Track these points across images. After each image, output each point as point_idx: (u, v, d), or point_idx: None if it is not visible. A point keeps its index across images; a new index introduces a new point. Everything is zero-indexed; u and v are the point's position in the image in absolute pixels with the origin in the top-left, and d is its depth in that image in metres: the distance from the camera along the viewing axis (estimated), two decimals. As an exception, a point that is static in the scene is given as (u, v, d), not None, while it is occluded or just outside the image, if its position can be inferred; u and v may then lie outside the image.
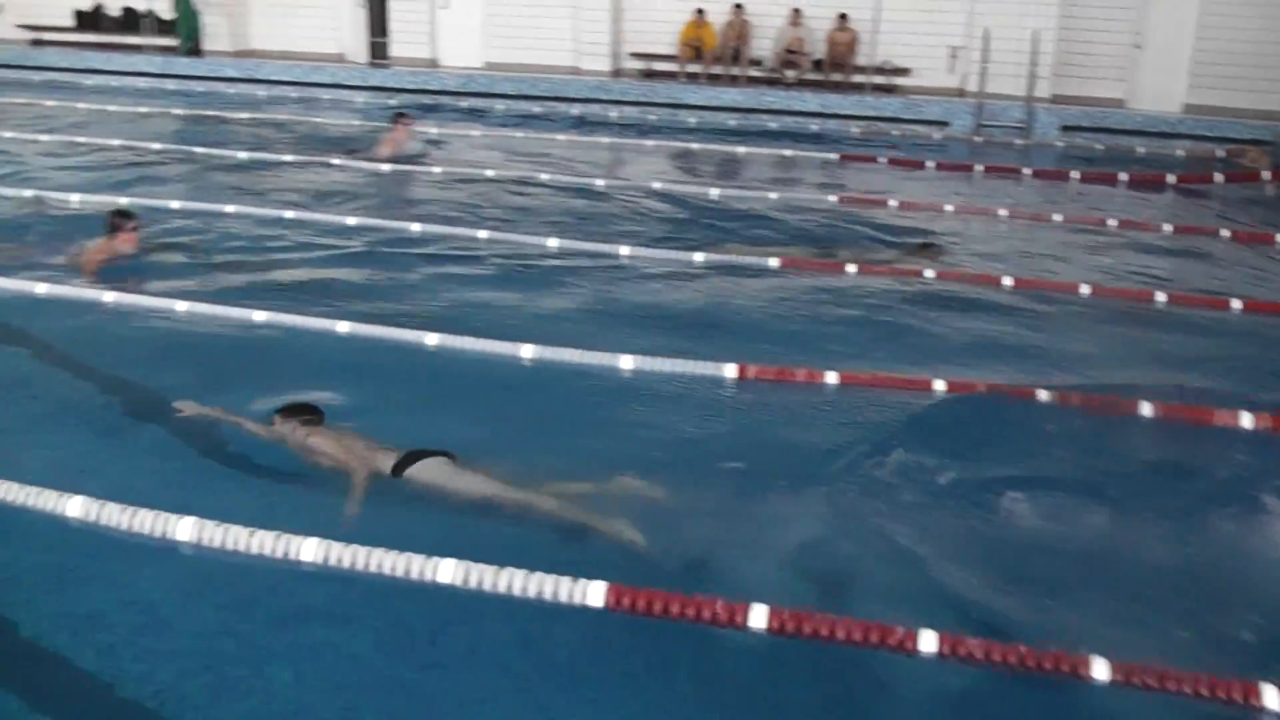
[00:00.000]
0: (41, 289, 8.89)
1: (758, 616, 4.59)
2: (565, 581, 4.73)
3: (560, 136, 18.16)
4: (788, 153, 17.36)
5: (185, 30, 25.34)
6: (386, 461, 5.82)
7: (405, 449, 5.88)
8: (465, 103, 21.78)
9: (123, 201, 12.05)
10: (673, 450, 6.47)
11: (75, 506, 5.34)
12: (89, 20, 26.84)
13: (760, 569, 5.22)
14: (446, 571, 4.84)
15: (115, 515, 5.25)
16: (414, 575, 4.84)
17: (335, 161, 15.04)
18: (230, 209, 12.13)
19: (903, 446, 6.45)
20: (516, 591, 4.73)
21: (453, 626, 4.75)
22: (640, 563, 5.17)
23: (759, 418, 7.14)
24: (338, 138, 17.44)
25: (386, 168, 14.96)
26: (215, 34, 25.58)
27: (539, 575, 4.76)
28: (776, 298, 9.60)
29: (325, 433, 6.09)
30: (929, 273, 10.23)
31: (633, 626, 4.65)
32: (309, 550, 4.99)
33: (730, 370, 7.52)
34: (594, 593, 4.71)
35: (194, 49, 25.51)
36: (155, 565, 5.09)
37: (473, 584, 4.79)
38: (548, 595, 4.71)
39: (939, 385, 7.30)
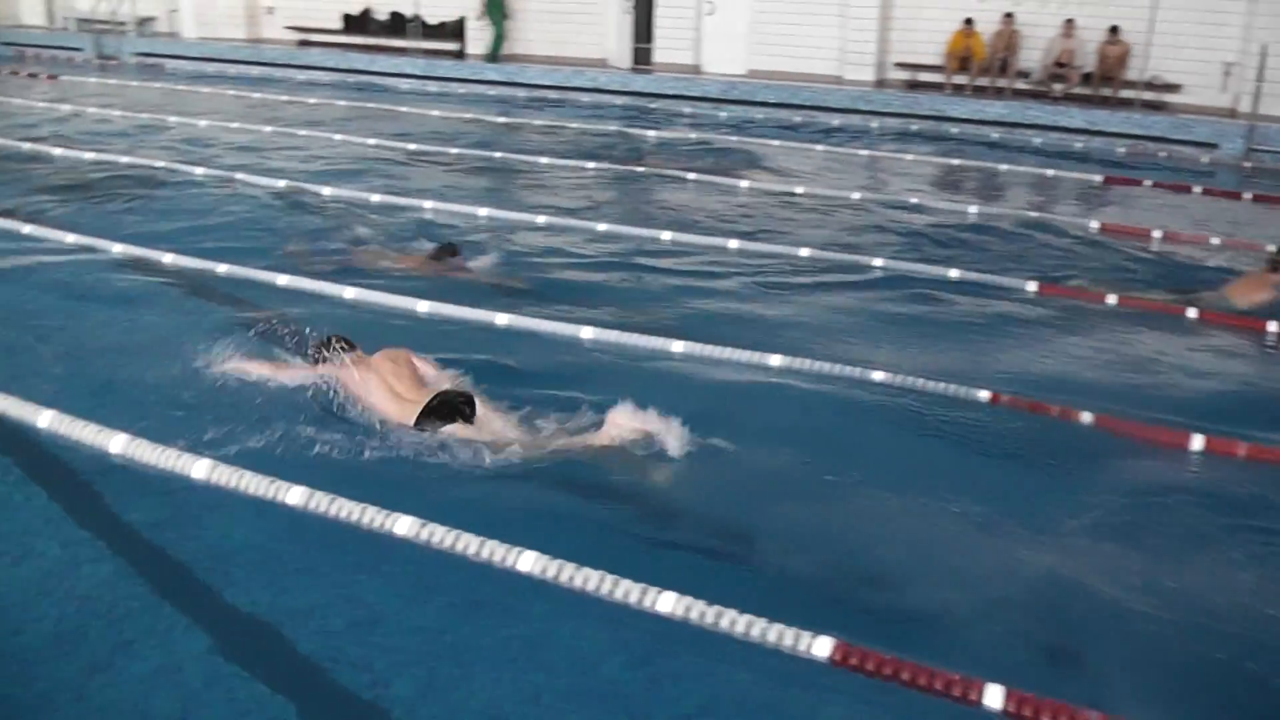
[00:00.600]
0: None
1: (993, 697, 4.22)
2: (792, 631, 4.50)
3: (818, 147, 17.89)
4: (1049, 172, 16.65)
5: (496, 37, 25.86)
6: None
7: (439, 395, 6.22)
8: (724, 112, 21.65)
9: (374, 199, 12.39)
10: (905, 479, 6.19)
11: (296, 495, 5.44)
12: (356, 23, 27.75)
13: (998, 638, 4.87)
14: (667, 603, 4.68)
15: (333, 507, 5.32)
16: (631, 601, 4.72)
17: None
18: (482, 211, 12.42)
19: (1165, 506, 5.98)
20: (737, 633, 4.53)
21: (661, 656, 4.62)
22: (867, 615, 4.95)
23: (1007, 452, 6.73)
24: (598, 143, 17.69)
25: (641, 169, 15.16)
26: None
27: (764, 622, 4.55)
28: (1030, 325, 9.19)
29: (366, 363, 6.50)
30: (1191, 312, 9.51)
31: (856, 685, 4.38)
32: (527, 562, 4.95)
33: (982, 395, 7.15)
34: (820, 646, 4.45)
35: (495, 56, 25.94)
36: (373, 559, 5.15)
37: (693, 618, 4.61)
38: (771, 641, 4.49)
39: (1197, 443, 6.66)
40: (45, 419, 6.35)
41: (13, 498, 5.79)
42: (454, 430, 6.10)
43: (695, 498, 5.81)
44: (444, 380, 6.71)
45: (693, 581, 4.78)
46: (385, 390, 6.36)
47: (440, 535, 5.09)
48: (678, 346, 7.87)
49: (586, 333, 8.11)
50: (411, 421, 6.15)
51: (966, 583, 5.20)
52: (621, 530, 5.42)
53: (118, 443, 5.99)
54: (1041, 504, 5.98)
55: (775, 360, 7.64)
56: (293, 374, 6.85)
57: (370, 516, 5.23)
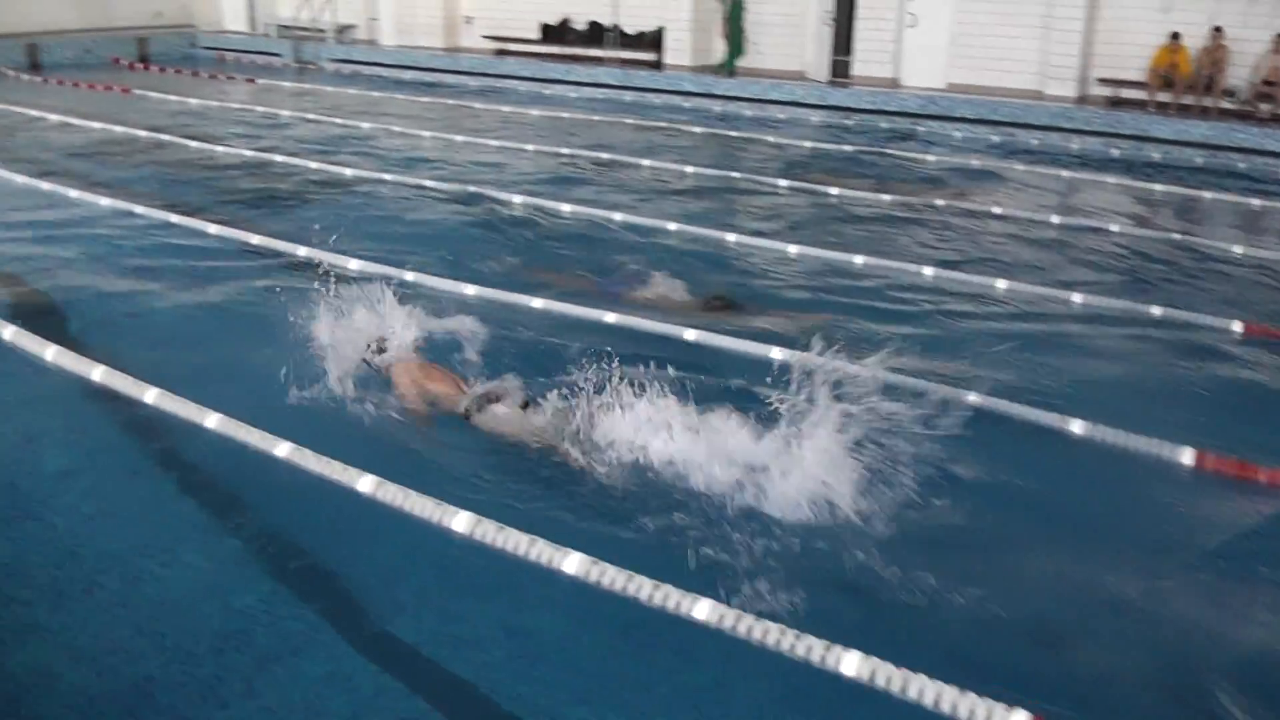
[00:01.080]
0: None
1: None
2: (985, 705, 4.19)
3: (1019, 166, 17.17)
4: (1256, 202, 15.42)
5: (734, 50, 25.30)
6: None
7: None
8: (922, 127, 21.15)
9: (564, 209, 12.49)
10: (1102, 540, 5.85)
11: (462, 522, 5.38)
12: (554, 33, 27.87)
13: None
14: (851, 664, 4.44)
15: (500, 537, 5.24)
16: (814, 659, 4.47)
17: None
18: (672, 227, 12.22)
19: None
20: (926, 702, 4.26)
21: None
22: (1062, 686, 4.63)
23: (1210, 520, 6.19)
24: (794, 158, 17.36)
25: (835, 190, 14.61)
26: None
27: (955, 691, 4.26)
28: (1235, 369, 8.50)
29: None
30: None
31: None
32: (702, 610, 4.76)
33: (1185, 456, 6.62)
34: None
35: (730, 69, 25.38)
36: (539, 593, 5.05)
37: (879, 682, 4.36)
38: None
39: None
40: (212, 420, 6.54)
41: (173, 499, 5.95)
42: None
43: (875, 546, 5.47)
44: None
45: (877, 639, 4.56)
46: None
47: (611, 576, 4.94)
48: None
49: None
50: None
51: (1167, 656, 4.90)
52: (801, 582, 5.11)
53: (283, 449, 6.11)
54: (1251, 577, 5.54)
55: (972, 398, 7.24)
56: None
57: (539, 551, 5.08)
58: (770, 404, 5.97)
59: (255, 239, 11.08)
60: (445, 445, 6.38)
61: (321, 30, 31.17)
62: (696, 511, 5.65)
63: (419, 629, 4.85)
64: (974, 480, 6.22)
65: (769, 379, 6.14)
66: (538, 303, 9.04)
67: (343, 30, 31.54)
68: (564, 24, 28.13)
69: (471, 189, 13.62)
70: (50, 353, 7.80)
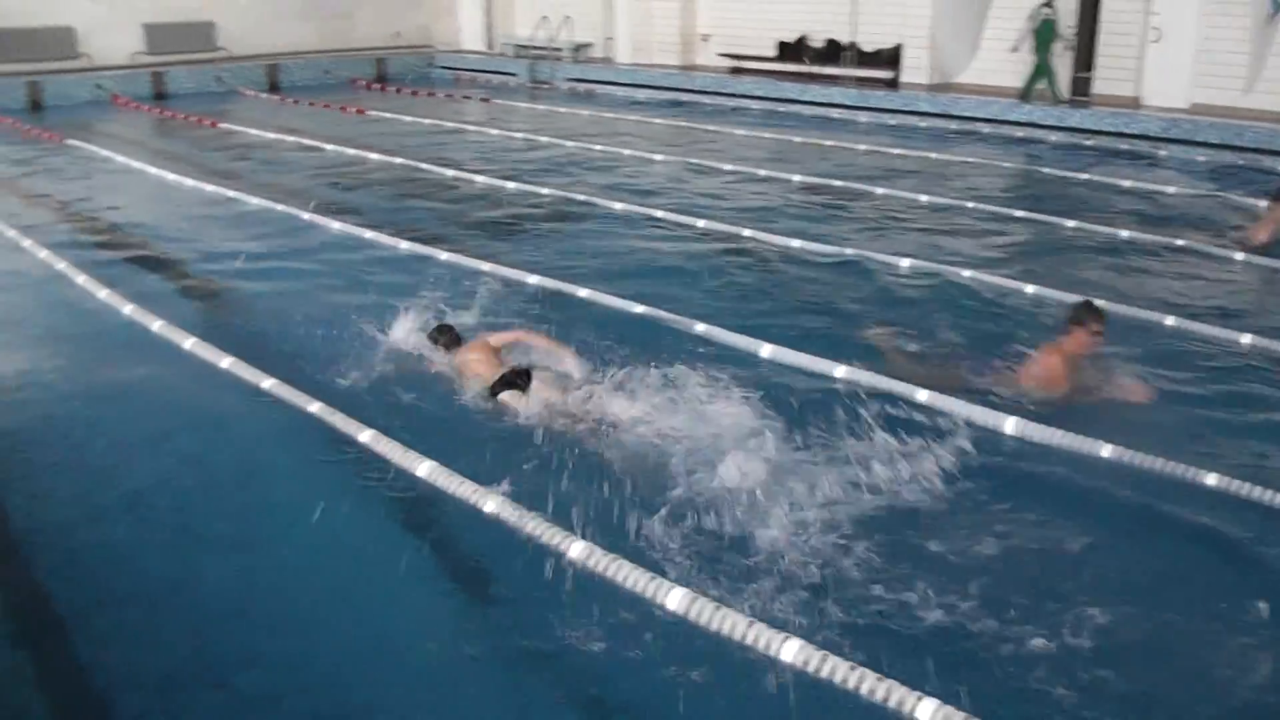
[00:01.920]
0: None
1: None
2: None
3: (1261, 204, 14.60)
4: None
5: (1038, 70, 23.23)
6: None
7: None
8: (1163, 150, 19.74)
9: (794, 244, 12.01)
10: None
11: (676, 599, 5.13)
12: (790, 51, 27.56)
13: None
14: None
15: (717, 618, 4.93)
16: None
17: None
18: (904, 264, 11.56)
19: None
20: None
21: None
22: None
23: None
24: (1025, 186, 16.52)
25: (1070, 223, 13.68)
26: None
27: None
28: None
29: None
30: None
31: None
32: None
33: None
34: None
35: (1030, 92, 23.39)
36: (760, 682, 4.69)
37: None
38: None
39: None
40: (424, 469, 6.53)
41: (396, 540, 6.09)
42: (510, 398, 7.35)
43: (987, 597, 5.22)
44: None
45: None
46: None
47: (842, 672, 4.55)
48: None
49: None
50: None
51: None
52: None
53: (491, 504, 6.07)
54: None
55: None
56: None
57: (757, 634, 4.70)
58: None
59: (485, 266, 11.11)
60: (653, 506, 6.09)
61: (558, 49, 31.50)
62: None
63: (632, 692, 4.75)
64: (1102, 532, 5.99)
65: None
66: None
67: (579, 49, 31.82)
68: (801, 41, 27.72)
69: (705, 222, 13.34)
70: (268, 384, 7.91)
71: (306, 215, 13.51)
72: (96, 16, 27.98)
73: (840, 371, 8.22)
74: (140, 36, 28.78)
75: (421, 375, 8.12)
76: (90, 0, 27.76)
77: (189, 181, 16.22)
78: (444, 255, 11.52)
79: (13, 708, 4.68)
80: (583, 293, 10.06)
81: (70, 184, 16.42)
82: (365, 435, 6.96)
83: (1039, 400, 7.66)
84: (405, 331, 8.75)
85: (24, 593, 5.66)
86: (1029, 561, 5.68)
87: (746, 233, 12.84)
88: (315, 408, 7.44)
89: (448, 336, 8.33)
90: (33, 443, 7.37)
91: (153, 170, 17.18)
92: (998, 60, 24.61)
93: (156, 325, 9.26)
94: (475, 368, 7.80)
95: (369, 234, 12.51)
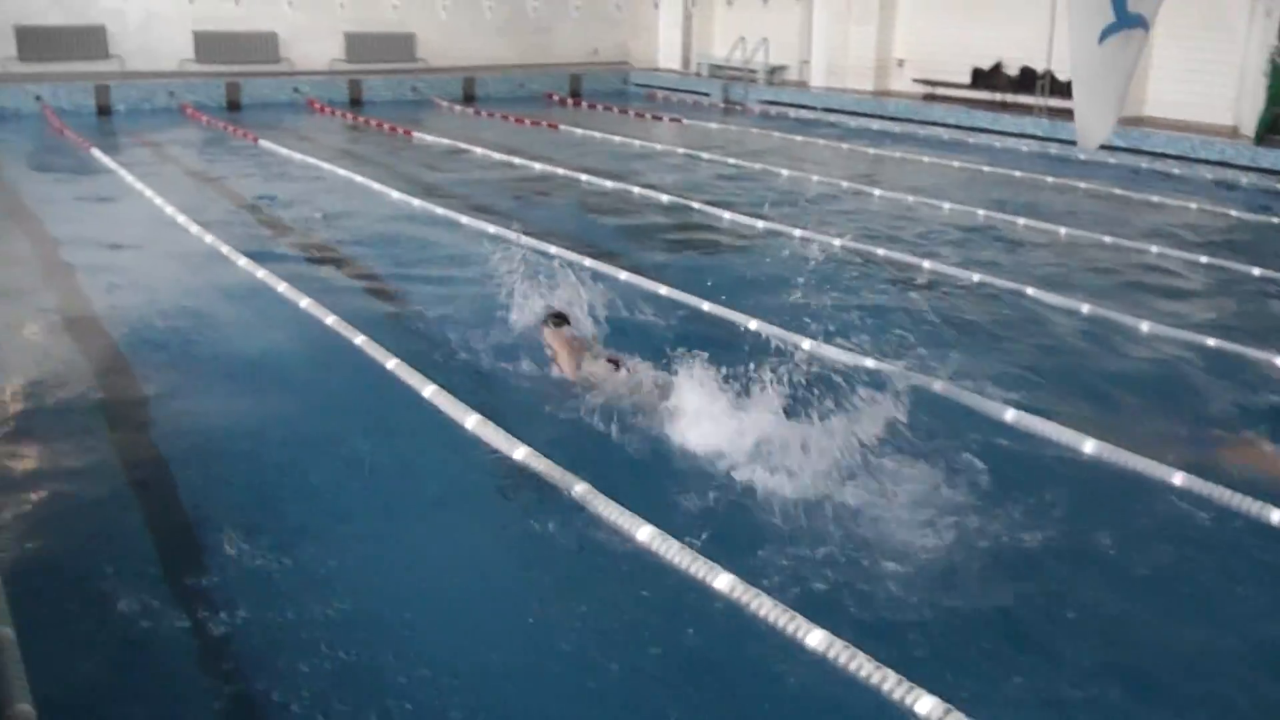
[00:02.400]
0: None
1: None
2: None
3: None
4: None
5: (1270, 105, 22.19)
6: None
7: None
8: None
9: (1028, 291, 11.62)
10: None
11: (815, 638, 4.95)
12: (984, 78, 27.26)
13: None
14: None
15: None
16: None
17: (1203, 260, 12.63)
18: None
19: None
20: None
21: None
22: None
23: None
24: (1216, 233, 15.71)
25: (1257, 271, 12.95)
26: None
27: None
28: None
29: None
30: None
31: None
32: None
33: None
34: None
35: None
36: None
37: None
38: None
39: None
40: (578, 489, 6.49)
41: (538, 560, 6.01)
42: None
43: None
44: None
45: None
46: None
47: None
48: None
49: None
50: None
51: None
52: None
53: (645, 533, 5.99)
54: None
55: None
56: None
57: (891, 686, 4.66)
58: None
59: (663, 290, 11.12)
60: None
61: (753, 71, 31.56)
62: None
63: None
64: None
65: None
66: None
67: (774, 71, 31.87)
68: (996, 68, 27.34)
69: (905, 256, 13.11)
70: (429, 391, 8.12)
71: (493, 228, 13.69)
72: (299, 24, 29.43)
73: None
74: (340, 45, 30.04)
75: (584, 399, 8.06)
76: (293, 8, 29.08)
77: (377, 186, 16.68)
78: (623, 275, 11.52)
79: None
80: (751, 324, 9.93)
81: (260, 183, 17.11)
82: (520, 452, 7.06)
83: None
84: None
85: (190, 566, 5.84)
86: None
87: (955, 270, 12.45)
88: (470, 421, 7.54)
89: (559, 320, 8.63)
90: (216, 432, 7.65)
91: (342, 173, 17.77)
92: (1197, 91, 23.96)
93: (359, 340, 9.38)
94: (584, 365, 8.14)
95: (554, 249, 12.56)
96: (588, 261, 11.97)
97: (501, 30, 32.74)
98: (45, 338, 9.77)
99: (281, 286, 10.84)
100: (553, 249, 12.55)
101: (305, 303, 10.39)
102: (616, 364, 8.11)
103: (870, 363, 8.80)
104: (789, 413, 7.11)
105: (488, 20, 32.40)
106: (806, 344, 9.30)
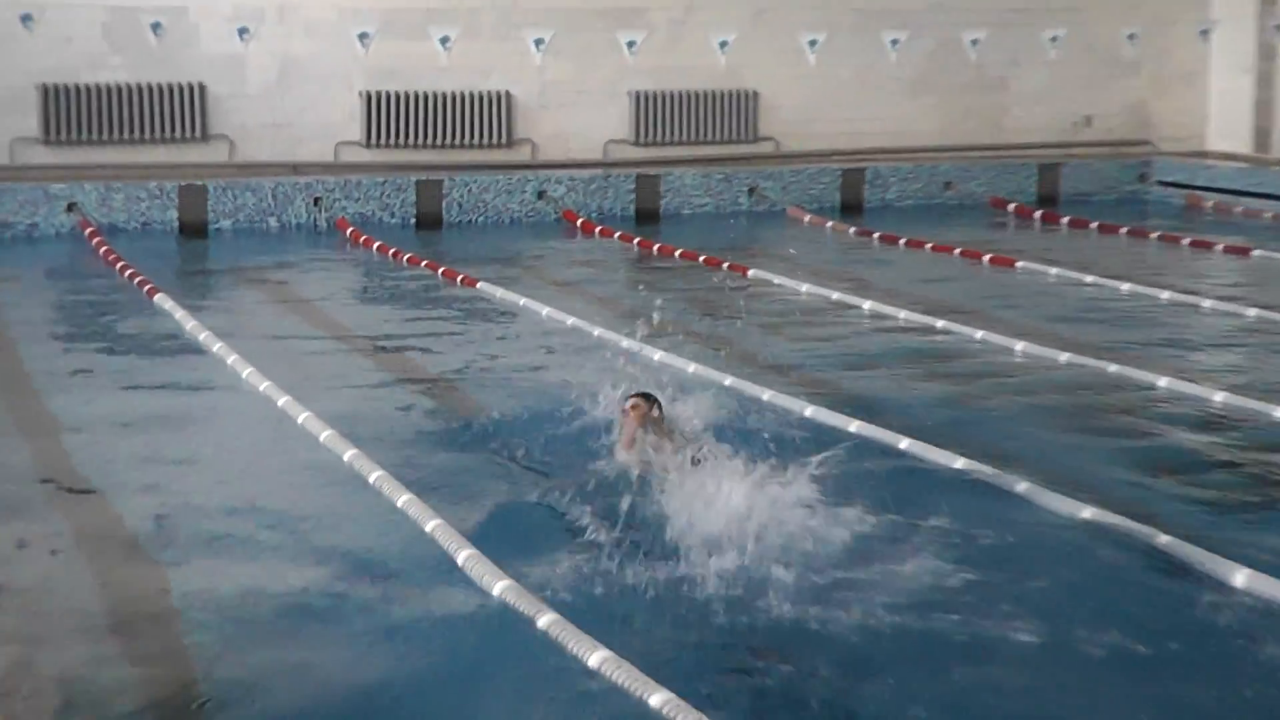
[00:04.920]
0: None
1: None
2: None
3: None
4: None
5: None
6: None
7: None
8: None
9: None
10: None
11: None
12: None
13: None
14: None
15: None
16: None
17: None
18: None
19: None
20: None
21: None
22: None
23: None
24: None
25: None
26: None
27: None
28: None
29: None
30: None
31: None
32: None
33: None
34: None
35: None
36: None
37: None
38: None
39: None
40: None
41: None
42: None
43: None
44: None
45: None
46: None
47: None
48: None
49: None
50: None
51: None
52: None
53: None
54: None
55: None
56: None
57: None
58: None
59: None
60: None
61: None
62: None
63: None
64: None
65: None
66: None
67: None
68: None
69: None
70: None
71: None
72: (551, 80, 20.56)
73: None
74: (625, 115, 20.70)
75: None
76: (546, 54, 20.26)
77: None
78: (1162, 538, 6.96)
79: None
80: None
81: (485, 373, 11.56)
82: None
83: None
84: None
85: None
86: None
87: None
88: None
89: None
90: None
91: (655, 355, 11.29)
92: None
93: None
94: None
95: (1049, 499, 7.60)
96: (1086, 510, 7.35)
97: (915, 87, 21.25)
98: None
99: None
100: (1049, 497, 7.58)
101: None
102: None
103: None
104: None
105: (891, 67, 21.08)
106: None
